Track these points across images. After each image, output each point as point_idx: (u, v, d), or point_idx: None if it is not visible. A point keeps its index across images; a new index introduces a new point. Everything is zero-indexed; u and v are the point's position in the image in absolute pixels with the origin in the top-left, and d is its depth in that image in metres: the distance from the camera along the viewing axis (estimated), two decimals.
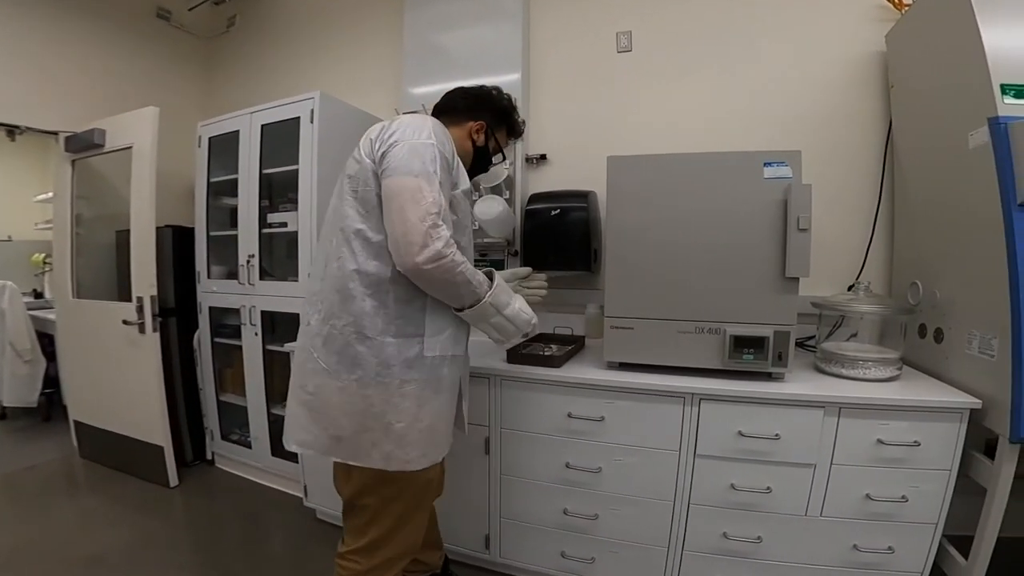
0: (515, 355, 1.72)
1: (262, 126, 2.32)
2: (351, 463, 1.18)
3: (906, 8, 1.74)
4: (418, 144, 1.11)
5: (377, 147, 1.14)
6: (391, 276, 1.13)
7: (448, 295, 1.16)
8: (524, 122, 1.48)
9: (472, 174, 1.39)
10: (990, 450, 1.33)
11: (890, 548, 1.39)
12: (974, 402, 1.31)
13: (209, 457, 2.72)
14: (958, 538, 1.39)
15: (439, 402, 1.23)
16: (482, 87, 1.41)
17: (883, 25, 1.81)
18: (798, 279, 1.42)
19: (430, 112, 1.36)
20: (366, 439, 1.15)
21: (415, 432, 1.18)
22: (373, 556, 1.23)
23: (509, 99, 1.43)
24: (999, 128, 1.25)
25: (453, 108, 1.36)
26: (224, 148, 2.49)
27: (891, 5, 1.79)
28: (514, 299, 1.28)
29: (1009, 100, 1.25)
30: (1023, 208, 1.23)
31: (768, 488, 1.44)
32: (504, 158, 1.48)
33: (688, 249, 1.50)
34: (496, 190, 2.14)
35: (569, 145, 2.26)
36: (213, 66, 3.26)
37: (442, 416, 1.25)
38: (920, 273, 1.64)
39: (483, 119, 1.36)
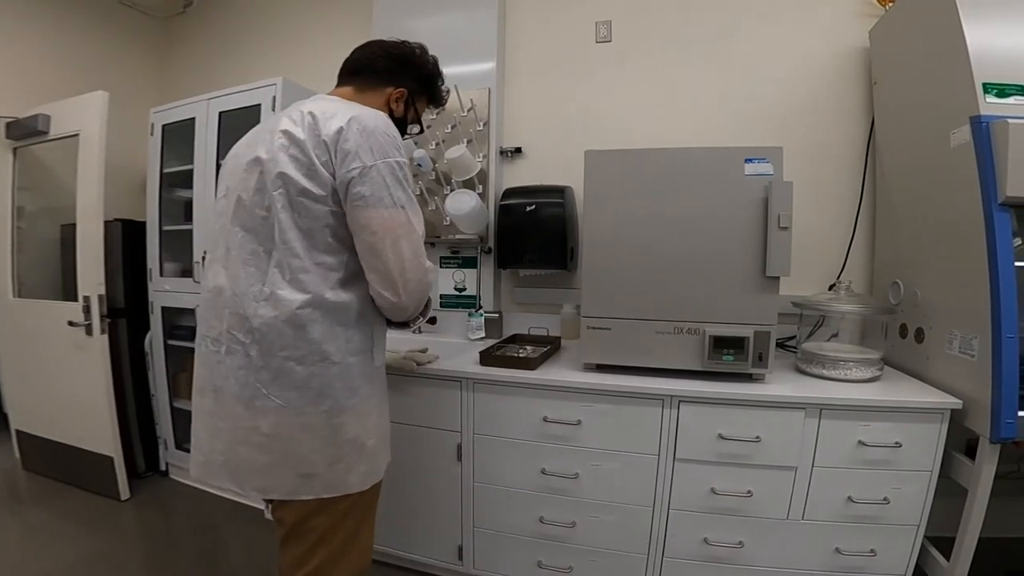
0: (488, 357, 1.67)
1: (220, 113, 2.23)
2: (326, 496, 1.06)
3: (890, 4, 1.73)
4: (394, 164, 1.02)
5: (338, 160, 1.00)
6: (351, 300, 1.06)
7: (411, 315, 1.16)
8: (448, 91, 1.35)
9: None
10: (971, 451, 1.33)
11: (872, 551, 1.38)
12: (955, 402, 1.32)
13: (163, 468, 2.61)
14: (940, 539, 1.40)
15: (387, 405, 1.23)
16: (404, 43, 1.24)
17: (867, 20, 1.80)
18: (779, 278, 1.40)
19: (338, 70, 1.23)
20: (341, 468, 1.07)
21: (381, 443, 1.17)
22: None
23: (435, 62, 1.28)
24: (981, 127, 1.25)
25: (372, 69, 1.19)
26: (179, 136, 2.40)
27: (875, 1, 1.78)
28: None
29: (991, 99, 1.25)
30: (1004, 207, 1.23)
31: (749, 492, 1.42)
32: (421, 130, 1.36)
33: (667, 247, 1.47)
34: (469, 184, 2.07)
35: (545, 138, 2.21)
36: (168, 48, 3.09)
37: (388, 417, 1.25)
38: (901, 272, 1.64)
39: (405, 86, 1.21)
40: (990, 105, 1.24)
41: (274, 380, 1.02)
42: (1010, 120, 1.20)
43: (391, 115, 1.18)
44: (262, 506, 2.13)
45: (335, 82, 1.23)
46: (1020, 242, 1.27)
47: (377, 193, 0.99)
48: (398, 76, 1.20)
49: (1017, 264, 1.23)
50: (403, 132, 1.27)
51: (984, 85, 1.25)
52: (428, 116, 1.38)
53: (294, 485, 1.05)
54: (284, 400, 1.02)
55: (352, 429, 1.08)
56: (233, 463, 1.07)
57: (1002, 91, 1.25)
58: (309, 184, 0.99)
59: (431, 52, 1.29)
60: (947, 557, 1.36)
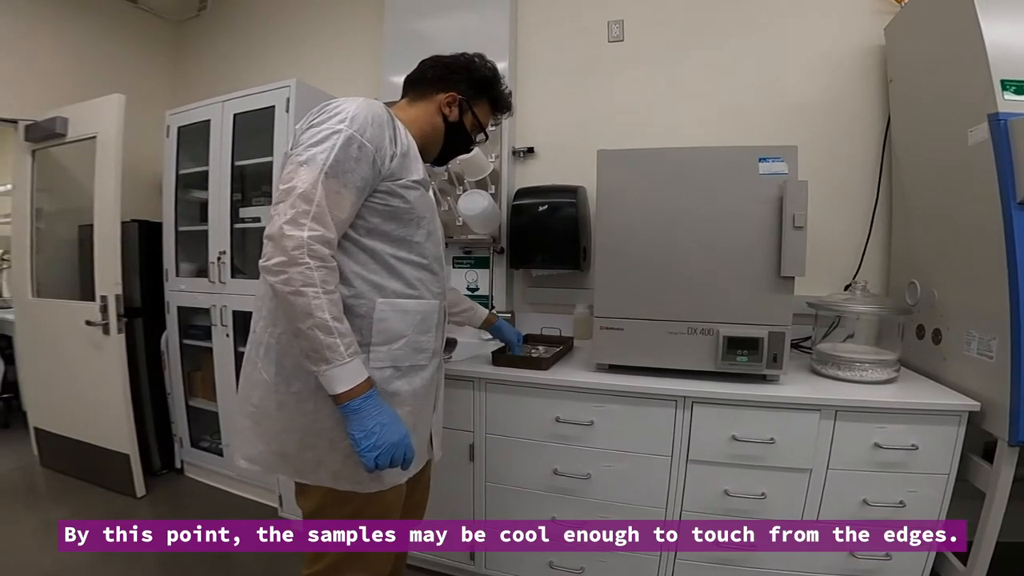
0: (501, 357, 1.67)
1: (234, 115, 2.24)
2: (297, 480, 1.08)
3: (906, 1, 1.71)
4: (322, 128, 0.96)
5: (296, 136, 1.01)
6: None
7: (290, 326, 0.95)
8: (511, 93, 1.30)
9: (448, 156, 1.28)
10: (988, 453, 1.31)
11: (888, 555, 1.36)
12: (972, 404, 1.30)
13: (178, 466, 2.64)
14: None
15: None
16: (461, 54, 1.23)
17: (882, 18, 1.79)
18: (793, 278, 1.39)
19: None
20: (310, 457, 1.03)
21: None
22: None
23: (493, 68, 1.25)
24: (999, 125, 1.23)
25: (422, 79, 1.20)
26: (194, 138, 2.41)
27: None
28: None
29: (1009, 96, 1.23)
30: (1023, 207, 1.21)
31: (763, 494, 1.41)
32: (487, 137, 1.31)
33: (680, 247, 1.46)
34: (481, 184, 2.07)
35: (558, 138, 2.21)
36: (183, 51, 3.14)
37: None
38: (918, 272, 1.62)
39: (455, 90, 1.19)
40: (1008, 102, 1.22)
41: (265, 354, 1.05)
42: None
43: (445, 121, 1.19)
44: (275, 504, 2.16)
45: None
46: None
47: (296, 150, 0.96)
48: (448, 81, 1.19)
49: None
50: (466, 140, 1.26)
51: (1002, 82, 1.23)
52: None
53: (272, 461, 1.07)
54: (268, 375, 1.04)
55: (323, 419, 1.01)
56: (233, 432, 1.12)
57: (1020, 88, 1.23)
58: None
59: (443, 53, 1.25)
60: (964, 562, 1.34)
